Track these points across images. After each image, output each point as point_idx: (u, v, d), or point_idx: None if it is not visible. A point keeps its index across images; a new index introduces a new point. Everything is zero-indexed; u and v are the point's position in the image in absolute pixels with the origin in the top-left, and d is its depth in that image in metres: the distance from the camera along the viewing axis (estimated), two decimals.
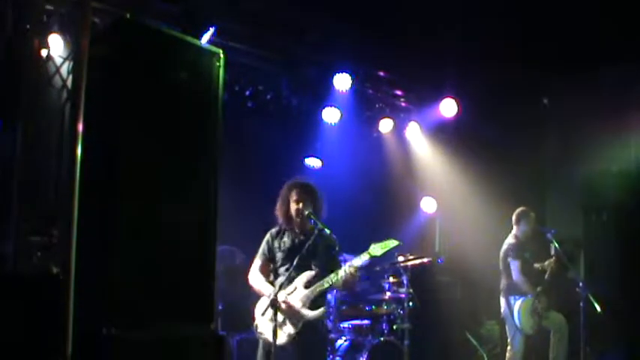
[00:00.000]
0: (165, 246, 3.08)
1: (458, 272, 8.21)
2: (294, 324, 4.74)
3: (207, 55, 3.40)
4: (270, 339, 4.54)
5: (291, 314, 4.75)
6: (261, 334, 4.78)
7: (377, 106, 7.92)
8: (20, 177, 2.82)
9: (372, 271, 6.61)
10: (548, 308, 6.64)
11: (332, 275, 4.80)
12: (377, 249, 4.96)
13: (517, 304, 6.63)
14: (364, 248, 6.28)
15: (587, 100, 7.49)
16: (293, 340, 4.69)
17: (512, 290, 6.68)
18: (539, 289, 6.59)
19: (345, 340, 5.99)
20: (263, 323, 4.77)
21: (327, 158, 7.58)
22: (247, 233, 5.92)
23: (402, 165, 8.25)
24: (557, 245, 6.52)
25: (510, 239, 6.85)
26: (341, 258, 5.61)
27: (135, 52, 3.10)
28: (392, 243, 4.99)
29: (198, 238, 3.23)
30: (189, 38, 3.50)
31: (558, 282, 6.70)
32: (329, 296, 6.09)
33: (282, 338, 4.66)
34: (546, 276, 6.61)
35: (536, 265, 6.78)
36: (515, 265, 6.65)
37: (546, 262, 6.69)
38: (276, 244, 5.02)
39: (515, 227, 6.92)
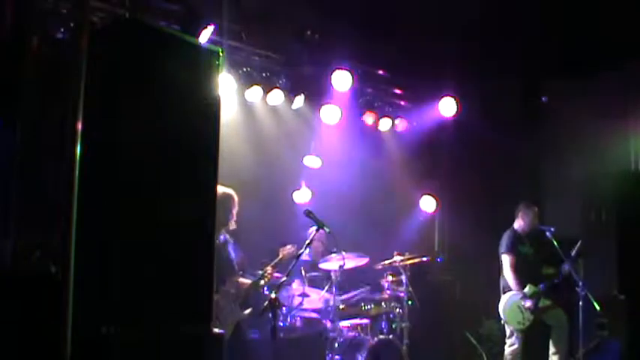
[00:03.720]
0: (165, 245, 3.09)
1: (457, 271, 8.21)
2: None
3: (207, 54, 3.40)
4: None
5: None
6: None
7: (376, 104, 7.91)
8: (20, 177, 2.82)
9: (371, 271, 6.60)
10: (547, 306, 6.61)
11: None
12: None
13: (504, 297, 6.63)
14: (363, 247, 6.31)
15: (587, 100, 7.48)
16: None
17: (505, 286, 6.68)
18: (529, 289, 6.51)
19: (344, 339, 5.98)
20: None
21: (326, 157, 7.56)
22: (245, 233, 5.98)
23: (401, 164, 8.23)
24: (556, 244, 6.50)
25: (507, 232, 6.82)
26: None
27: (134, 51, 3.10)
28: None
29: (197, 237, 3.24)
30: (189, 37, 3.51)
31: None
32: (327, 295, 6.11)
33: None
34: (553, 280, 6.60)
35: (547, 272, 6.74)
36: (506, 260, 6.63)
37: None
38: None
39: (515, 221, 6.90)
